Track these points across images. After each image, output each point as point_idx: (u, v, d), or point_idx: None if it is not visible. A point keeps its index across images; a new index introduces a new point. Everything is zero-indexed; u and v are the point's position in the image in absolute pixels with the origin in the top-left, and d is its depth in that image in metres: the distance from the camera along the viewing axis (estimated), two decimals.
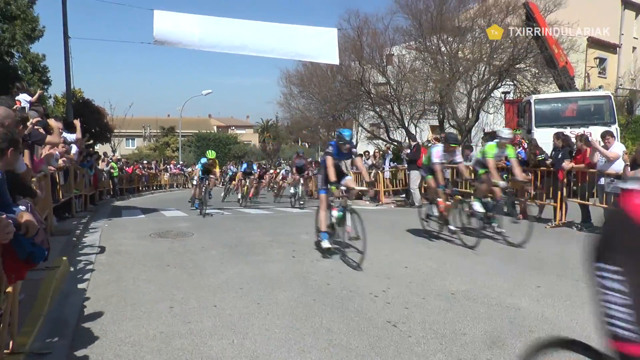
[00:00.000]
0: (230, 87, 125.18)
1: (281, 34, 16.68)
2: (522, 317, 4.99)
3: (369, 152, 23.88)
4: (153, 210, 15.90)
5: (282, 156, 40.30)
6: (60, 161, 10.56)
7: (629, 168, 9.45)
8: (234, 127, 77.46)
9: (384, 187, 18.25)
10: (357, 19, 25.83)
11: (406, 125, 26.54)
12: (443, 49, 24.32)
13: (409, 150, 17.19)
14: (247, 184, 19.52)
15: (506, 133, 9.83)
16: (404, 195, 18.14)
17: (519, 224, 9.33)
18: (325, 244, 7.85)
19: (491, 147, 9.62)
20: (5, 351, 3.59)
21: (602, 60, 36.01)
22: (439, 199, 9.17)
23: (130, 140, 63.89)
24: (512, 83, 25.03)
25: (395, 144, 26.86)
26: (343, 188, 8.02)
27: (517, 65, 23.63)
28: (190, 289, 6.05)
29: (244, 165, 20.61)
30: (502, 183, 9.25)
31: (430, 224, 9.70)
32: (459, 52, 24.30)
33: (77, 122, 12.01)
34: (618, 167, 9.88)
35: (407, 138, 25.49)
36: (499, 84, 24.52)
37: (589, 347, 1.98)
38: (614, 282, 1.59)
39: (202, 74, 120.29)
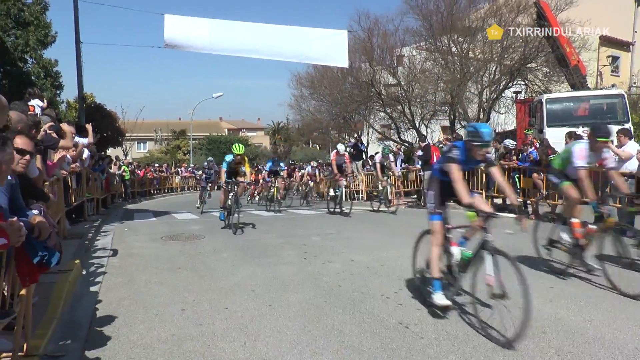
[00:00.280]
0: (241, 90, 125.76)
1: (291, 37, 16.72)
2: (535, 319, 4.92)
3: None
4: (165, 213, 15.96)
5: (293, 158, 40.24)
6: (72, 165, 10.64)
7: None
8: (245, 130, 77.66)
9: (395, 188, 18.20)
10: (368, 20, 25.95)
11: (417, 126, 26.53)
12: (454, 49, 24.27)
13: (420, 152, 17.12)
14: (277, 184, 16.87)
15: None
16: (415, 196, 18.08)
17: None
18: (441, 299, 5.04)
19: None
20: (19, 353, 3.62)
21: (615, 59, 35.67)
22: (574, 220, 6.58)
23: (141, 144, 64.38)
24: (523, 83, 24.90)
25: (407, 144, 26.82)
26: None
27: (529, 65, 23.52)
28: (202, 291, 6.07)
29: (269, 163, 18.04)
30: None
31: (553, 252, 6.94)
32: (470, 52, 24.23)
33: (89, 127, 12.11)
34: (632, 166, 9.76)
35: (417, 139, 25.48)
36: (510, 84, 24.41)
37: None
38: None
39: (213, 77, 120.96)
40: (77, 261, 6.93)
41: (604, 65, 31.53)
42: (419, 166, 17.55)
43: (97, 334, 4.63)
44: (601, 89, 22.05)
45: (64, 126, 8.89)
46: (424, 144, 17.29)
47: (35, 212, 3.76)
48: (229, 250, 8.82)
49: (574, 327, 4.72)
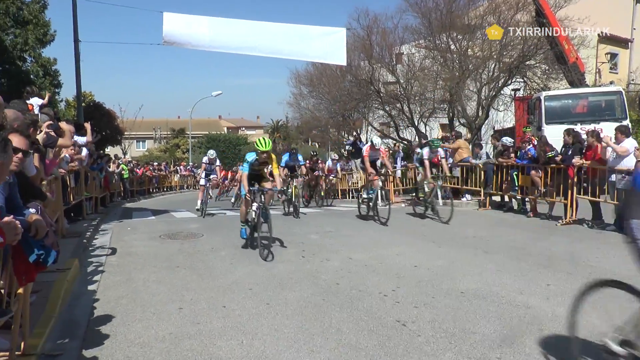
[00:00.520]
0: (240, 88, 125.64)
1: (290, 35, 16.68)
2: (532, 316, 4.96)
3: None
4: (163, 212, 15.97)
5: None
6: (71, 164, 10.64)
7: None
8: (244, 128, 77.61)
9: (394, 186, 18.21)
10: (367, 18, 25.85)
11: (416, 123, 26.52)
12: (453, 47, 24.24)
13: (418, 149, 17.12)
14: (295, 183, 14.35)
15: None
16: (413, 194, 18.09)
17: None
18: None
19: None
20: (17, 353, 3.62)
21: (613, 56, 35.67)
22: None
23: (140, 142, 64.36)
24: (522, 80, 24.87)
25: (405, 142, 26.83)
26: None
27: (527, 62, 23.48)
28: (200, 289, 6.08)
29: (285, 157, 15.23)
30: None
31: None
32: (469, 49, 24.20)
33: (87, 125, 12.11)
34: (629, 163, 9.76)
35: (416, 137, 25.49)
36: (509, 81, 24.39)
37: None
38: None
39: (212, 75, 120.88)
40: (76, 260, 6.94)
41: (603, 63, 31.55)
42: (416, 164, 17.56)
43: (95, 332, 4.64)
44: (600, 86, 22.06)
45: (63, 125, 8.89)
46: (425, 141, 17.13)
47: (32, 210, 3.77)
48: (227, 248, 8.82)
49: None
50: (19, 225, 3.05)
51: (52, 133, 7.64)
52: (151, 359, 4.08)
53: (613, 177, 10.16)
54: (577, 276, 6.45)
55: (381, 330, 4.62)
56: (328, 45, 16.56)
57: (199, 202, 14.51)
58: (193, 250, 8.74)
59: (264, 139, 8.63)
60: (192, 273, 6.99)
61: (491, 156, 15.16)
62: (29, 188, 4.53)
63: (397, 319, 4.91)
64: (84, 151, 12.19)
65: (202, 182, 15.05)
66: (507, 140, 14.14)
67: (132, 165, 27.72)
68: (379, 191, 12.01)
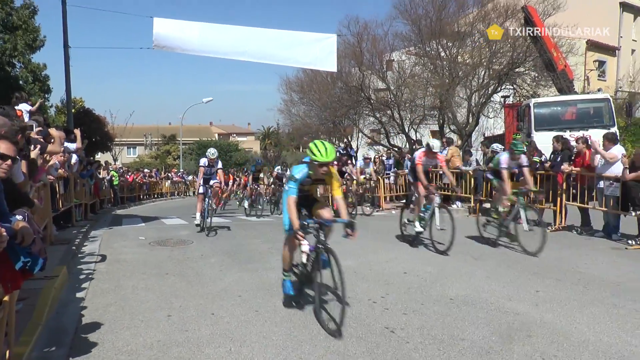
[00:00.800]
0: (231, 95, 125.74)
1: (280, 40, 16.67)
2: (521, 322, 4.98)
3: (370, 158, 22.19)
4: (153, 219, 15.89)
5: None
6: (60, 170, 10.58)
7: (628, 171, 9.43)
8: (235, 135, 77.59)
9: (384, 193, 18.22)
10: (357, 25, 25.97)
11: (406, 130, 26.61)
12: (442, 54, 24.40)
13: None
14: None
15: None
16: (404, 201, 18.10)
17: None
18: None
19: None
20: None
21: (601, 63, 36.03)
22: None
23: (131, 149, 64.16)
24: (511, 87, 25.08)
25: (396, 149, 26.90)
26: None
27: (517, 69, 23.69)
28: (189, 297, 6.05)
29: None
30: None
31: None
32: (459, 56, 24.36)
33: (77, 132, 12.06)
34: (617, 169, 9.85)
35: (407, 143, 25.54)
36: (499, 88, 24.57)
37: None
38: None
39: (203, 82, 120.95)
40: (64, 267, 6.89)
41: (591, 70, 31.84)
42: (407, 170, 17.54)
43: (82, 340, 4.60)
44: (588, 93, 22.24)
45: (52, 131, 8.86)
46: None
47: (19, 217, 3.73)
48: (216, 255, 8.80)
49: (559, 330, 4.75)
50: (4, 233, 3.03)
51: (41, 139, 7.60)
52: None
53: (601, 184, 10.23)
54: (566, 282, 6.50)
55: (370, 337, 4.62)
56: (319, 51, 16.57)
57: (197, 214, 11.94)
58: (182, 257, 8.70)
59: (323, 143, 5.34)
60: (181, 280, 6.95)
61: (481, 163, 15.22)
62: (16, 195, 4.49)
63: (385, 326, 4.90)
64: (74, 158, 12.13)
65: (201, 189, 12.12)
66: (497, 146, 14.19)
67: (122, 171, 27.58)
68: (437, 209, 9.13)
